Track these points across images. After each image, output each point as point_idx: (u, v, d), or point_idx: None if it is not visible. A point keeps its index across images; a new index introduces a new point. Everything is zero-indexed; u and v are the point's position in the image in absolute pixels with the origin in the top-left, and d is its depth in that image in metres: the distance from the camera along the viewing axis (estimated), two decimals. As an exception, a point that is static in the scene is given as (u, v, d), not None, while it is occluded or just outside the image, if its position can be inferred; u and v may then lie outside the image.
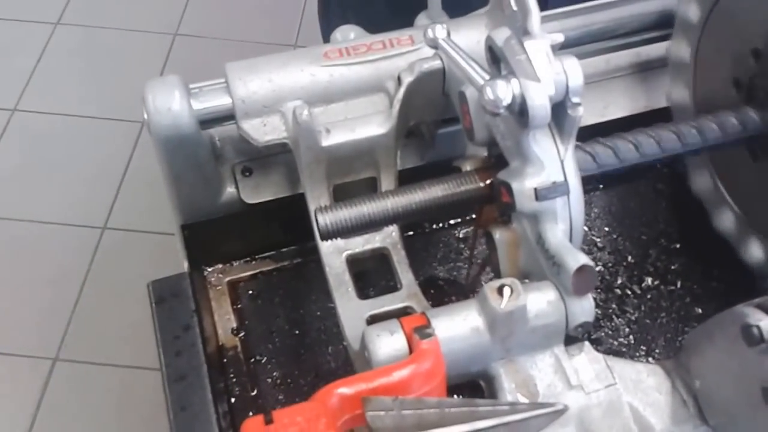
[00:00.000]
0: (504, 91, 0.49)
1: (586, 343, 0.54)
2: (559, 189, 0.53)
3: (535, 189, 0.53)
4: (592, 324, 0.54)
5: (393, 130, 0.69)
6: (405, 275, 0.68)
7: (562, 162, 0.53)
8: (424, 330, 0.49)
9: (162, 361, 0.68)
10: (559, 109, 0.52)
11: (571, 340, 0.55)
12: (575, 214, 0.55)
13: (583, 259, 0.51)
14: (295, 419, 0.40)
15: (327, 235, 0.57)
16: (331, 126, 0.68)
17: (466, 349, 0.51)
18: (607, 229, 0.86)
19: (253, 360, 0.77)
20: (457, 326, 0.51)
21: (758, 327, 0.41)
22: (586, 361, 0.53)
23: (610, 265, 0.83)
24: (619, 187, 0.87)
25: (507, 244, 0.60)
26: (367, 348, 0.50)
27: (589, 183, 0.87)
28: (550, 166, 0.54)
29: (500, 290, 0.51)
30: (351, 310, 0.65)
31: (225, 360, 0.76)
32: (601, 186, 0.88)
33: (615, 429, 0.50)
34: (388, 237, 0.70)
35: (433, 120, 0.76)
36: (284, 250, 0.84)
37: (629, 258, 0.83)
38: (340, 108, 0.71)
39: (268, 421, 0.40)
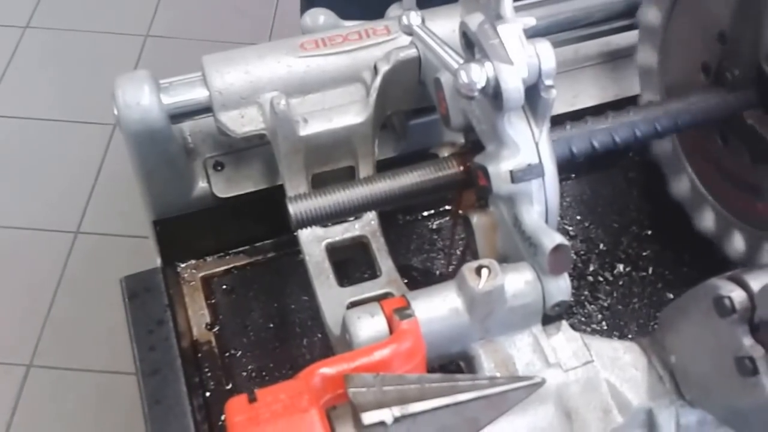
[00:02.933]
0: (478, 75, 0.50)
1: (564, 322, 0.55)
2: (534, 171, 0.54)
3: (511, 171, 0.54)
4: (568, 303, 0.54)
5: (370, 119, 0.69)
6: (384, 262, 0.68)
7: (536, 144, 0.54)
8: (403, 311, 0.50)
9: (136, 356, 0.67)
10: (533, 92, 0.53)
11: (548, 319, 0.55)
12: (550, 196, 0.55)
13: (559, 239, 0.52)
14: (279, 396, 0.39)
15: (298, 224, 0.57)
16: (309, 116, 0.68)
17: (446, 330, 0.52)
18: (579, 217, 0.87)
19: (228, 354, 0.76)
20: (437, 307, 0.52)
21: (730, 298, 0.42)
22: (564, 339, 0.54)
23: (582, 253, 0.84)
24: (591, 176, 0.88)
25: (484, 228, 0.60)
26: (348, 330, 0.50)
27: (561, 173, 0.90)
28: (525, 149, 0.54)
29: (478, 271, 0.51)
30: (331, 298, 0.65)
31: (200, 355, 0.75)
32: (573, 175, 0.89)
33: (593, 405, 0.51)
34: (367, 225, 0.70)
35: (405, 111, 0.77)
36: (258, 244, 0.83)
37: (601, 245, 0.84)
38: (317, 98, 0.71)
39: (252, 400, 0.40)
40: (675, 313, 0.50)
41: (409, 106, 0.75)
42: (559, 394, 0.51)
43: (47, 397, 1.55)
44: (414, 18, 0.58)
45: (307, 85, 0.71)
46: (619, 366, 0.53)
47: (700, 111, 0.64)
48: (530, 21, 0.52)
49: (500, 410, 0.41)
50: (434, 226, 0.86)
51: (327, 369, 0.43)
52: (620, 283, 0.81)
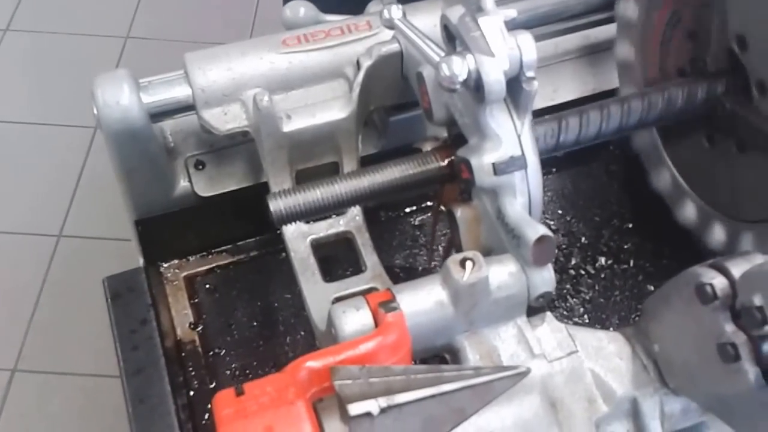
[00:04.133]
0: (459, 67, 0.50)
1: (548, 313, 0.55)
2: (516, 163, 0.54)
3: (494, 164, 0.54)
4: (553, 294, 0.55)
5: (353, 114, 0.69)
6: (369, 257, 0.68)
7: (519, 136, 0.54)
8: (389, 304, 0.50)
9: (119, 356, 0.67)
10: (514, 84, 0.53)
11: (533, 311, 0.55)
12: (533, 187, 0.56)
13: (542, 230, 0.52)
14: (266, 389, 0.39)
15: (279, 221, 0.57)
16: (292, 112, 0.68)
17: (431, 323, 0.52)
18: (560, 211, 0.88)
19: (211, 353, 0.75)
20: (422, 300, 0.52)
21: (711, 285, 0.43)
22: (549, 330, 0.54)
23: (564, 247, 0.84)
24: (572, 170, 0.89)
25: (468, 222, 0.60)
26: (334, 324, 0.50)
27: (542, 167, 0.91)
28: (507, 141, 0.54)
29: (462, 263, 0.51)
30: (317, 293, 0.65)
31: (183, 354, 0.74)
32: (554, 170, 0.90)
33: (577, 395, 0.51)
34: (352, 221, 0.70)
35: (386, 107, 0.77)
36: (241, 243, 0.83)
37: (583, 239, 0.85)
38: (300, 95, 0.71)
39: (239, 393, 0.39)
40: (658, 301, 0.51)
41: (393, 101, 0.75)
42: (544, 385, 0.52)
43: (32, 401, 1.54)
44: (395, 12, 0.58)
45: (290, 81, 0.71)
46: (603, 356, 0.53)
47: (679, 101, 0.65)
48: (511, 13, 0.52)
49: (486, 400, 0.41)
50: (417, 223, 0.86)
51: (313, 362, 0.43)
52: (602, 276, 0.82)
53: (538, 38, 0.84)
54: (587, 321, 0.78)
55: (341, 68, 0.71)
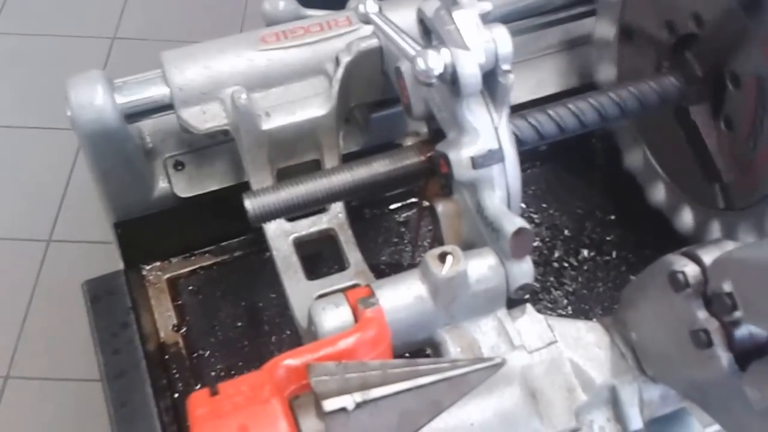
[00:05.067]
0: (435, 61, 0.50)
1: (528, 305, 0.56)
2: (494, 156, 0.54)
3: (472, 157, 0.54)
4: (532, 285, 0.55)
5: (333, 111, 0.69)
6: (352, 254, 0.68)
7: (496, 129, 0.55)
8: (368, 300, 0.50)
9: (100, 360, 0.66)
10: (491, 77, 0.53)
11: (513, 303, 0.56)
12: (512, 180, 0.56)
13: (520, 223, 0.52)
14: (241, 389, 0.39)
15: (256, 220, 0.57)
16: (271, 110, 0.68)
17: (412, 317, 0.52)
18: (544, 205, 0.88)
19: (195, 355, 0.75)
20: (401, 295, 0.52)
21: (683, 272, 0.43)
22: (528, 322, 0.54)
23: (547, 240, 0.85)
24: (555, 163, 0.89)
25: (449, 216, 0.60)
26: (313, 322, 0.50)
27: (525, 161, 0.91)
28: (485, 135, 0.54)
29: (441, 257, 0.51)
30: (300, 291, 0.65)
31: (167, 356, 0.74)
32: (538, 163, 0.90)
33: (557, 384, 0.52)
34: (335, 218, 0.70)
35: (367, 104, 0.76)
36: (224, 243, 0.83)
37: (566, 231, 0.85)
38: (280, 92, 0.71)
39: (214, 393, 0.39)
40: (634, 290, 0.51)
41: (374, 97, 0.74)
42: (525, 376, 0.52)
43: (26, 408, 1.53)
44: (371, 6, 0.58)
45: (270, 78, 0.70)
46: (582, 345, 0.54)
47: (653, 96, 0.65)
48: (486, 6, 0.52)
49: (462, 392, 0.41)
50: (402, 219, 0.86)
51: (291, 360, 0.43)
52: (585, 267, 0.82)
53: (520, 32, 0.86)
54: (571, 312, 0.79)
55: (321, 65, 0.71)
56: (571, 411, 0.51)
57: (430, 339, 0.54)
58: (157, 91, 0.69)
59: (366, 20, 0.57)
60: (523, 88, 0.86)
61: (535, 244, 0.85)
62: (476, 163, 0.54)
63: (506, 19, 0.82)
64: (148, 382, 0.64)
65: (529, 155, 0.92)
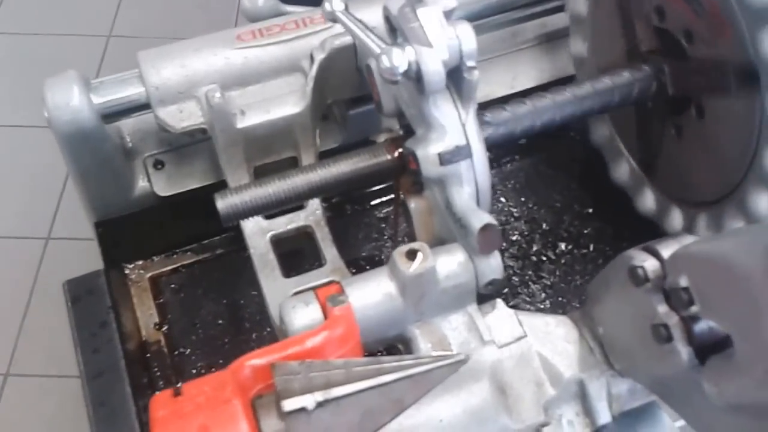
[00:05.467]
0: (399, 59, 0.50)
1: (499, 300, 0.56)
2: (461, 152, 0.54)
3: (439, 154, 0.54)
4: (501, 281, 0.55)
5: (308, 108, 0.69)
6: (329, 251, 0.69)
7: (463, 125, 0.55)
8: (336, 298, 0.50)
9: (79, 359, 0.67)
10: (456, 74, 0.53)
11: (483, 298, 0.56)
12: (480, 176, 0.56)
13: (487, 218, 0.52)
14: (203, 389, 0.40)
15: (228, 219, 0.57)
16: (246, 108, 0.68)
17: (381, 314, 0.52)
18: (522, 198, 0.88)
19: (177, 353, 0.76)
20: (371, 293, 0.52)
21: (642, 267, 0.43)
22: (499, 316, 0.55)
23: (526, 233, 0.85)
24: (534, 157, 0.90)
25: (421, 212, 0.61)
26: (283, 320, 0.51)
27: (505, 155, 0.92)
28: (452, 131, 0.55)
29: (409, 255, 0.52)
30: (276, 289, 0.65)
31: (148, 355, 0.75)
32: (517, 157, 0.91)
33: (526, 379, 0.52)
34: (312, 215, 0.71)
35: (345, 101, 0.77)
36: (206, 242, 0.83)
37: (544, 225, 0.86)
38: (257, 90, 0.71)
39: (177, 394, 0.40)
40: (599, 285, 0.51)
41: (350, 94, 0.75)
42: (494, 370, 0.52)
43: (26, 405, 1.53)
44: (336, 4, 0.58)
45: (246, 76, 0.71)
46: (551, 340, 0.54)
47: (623, 87, 0.65)
48: (451, 3, 0.52)
49: (425, 389, 0.42)
50: (382, 215, 0.87)
51: (257, 360, 0.44)
52: (563, 261, 0.83)
53: (497, 26, 0.86)
54: (548, 306, 0.79)
55: (297, 62, 0.71)
56: (540, 405, 0.52)
57: (401, 335, 0.54)
58: (133, 91, 0.70)
59: (333, 18, 0.58)
60: (500, 82, 0.87)
61: (514, 238, 0.85)
62: (443, 159, 0.54)
63: (481, 14, 0.82)
64: (127, 381, 0.65)
65: (508, 149, 0.92)
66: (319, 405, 0.38)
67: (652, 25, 0.64)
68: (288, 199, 0.57)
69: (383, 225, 0.86)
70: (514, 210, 0.88)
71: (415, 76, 0.51)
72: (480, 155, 0.56)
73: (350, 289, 0.52)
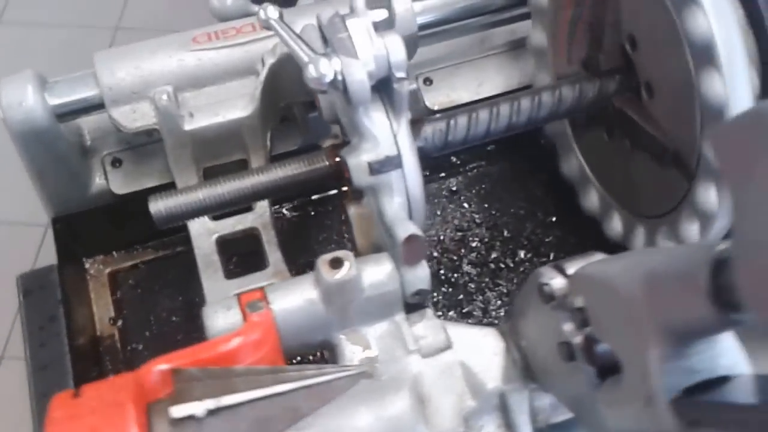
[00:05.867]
0: (326, 69, 0.51)
1: (428, 309, 0.56)
2: (392, 162, 0.55)
3: (369, 163, 0.55)
4: (429, 291, 0.55)
5: (257, 112, 0.69)
6: (273, 254, 0.69)
7: (395, 136, 0.55)
8: (256, 303, 0.50)
9: (27, 353, 0.68)
10: (388, 85, 0.53)
11: (413, 307, 0.56)
12: (412, 187, 0.56)
13: (412, 230, 0.53)
14: (101, 391, 0.40)
15: (161, 222, 0.58)
16: (195, 110, 0.69)
17: (304, 321, 0.52)
18: (486, 205, 0.88)
19: (130, 348, 0.77)
20: (294, 299, 0.52)
21: (549, 285, 0.43)
22: (426, 326, 0.55)
23: (486, 240, 0.85)
24: (501, 163, 0.89)
25: (359, 220, 0.61)
26: (204, 324, 0.51)
27: (472, 161, 0.91)
28: (384, 141, 0.55)
29: (334, 263, 0.52)
30: (217, 291, 0.66)
31: (101, 349, 0.76)
32: (484, 163, 0.91)
33: (447, 389, 0.52)
34: (260, 217, 0.71)
35: (304, 103, 0.77)
36: (166, 239, 0.84)
37: (505, 232, 0.85)
38: (212, 92, 0.72)
39: (77, 395, 0.40)
40: (523, 298, 0.51)
41: (304, 98, 0.75)
42: (416, 381, 0.52)
43: (21, 387, 1.56)
44: (271, 12, 0.58)
45: (200, 78, 0.71)
46: (476, 351, 0.54)
47: (570, 99, 0.65)
48: (381, 14, 0.52)
49: (324, 399, 0.42)
50: (344, 217, 0.87)
51: (164, 365, 0.44)
52: (521, 269, 0.82)
53: (463, 32, 0.86)
54: (502, 314, 0.79)
55: (253, 65, 0.72)
56: (460, 416, 0.52)
57: (327, 342, 0.55)
58: (88, 91, 0.70)
59: (267, 26, 0.58)
60: (465, 88, 0.86)
61: (474, 244, 0.85)
62: (373, 168, 0.54)
63: (448, 19, 0.82)
64: (71, 375, 0.66)
65: (475, 155, 0.92)
66: (211, 413, 0.39)
67: (622, 49, 0.63)
68: (222, 203, 0.58)
69: (344, 227, 0.86)
70: (477, 216, 0.87)
71: (343, 87, 0.52)
72: (411, 166, 0.56)
73: (273, 296, 0.52)
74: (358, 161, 0.55)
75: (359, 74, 0.50)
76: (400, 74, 0.52)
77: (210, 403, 0.39)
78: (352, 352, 0.53)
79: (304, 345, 0.54)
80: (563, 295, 0.43)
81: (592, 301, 0.39)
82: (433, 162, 0.92)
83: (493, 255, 0.84)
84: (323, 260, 0.52)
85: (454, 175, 0.91)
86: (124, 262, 0.83)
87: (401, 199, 0.56)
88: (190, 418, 0.38)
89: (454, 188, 0.90)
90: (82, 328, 0.74)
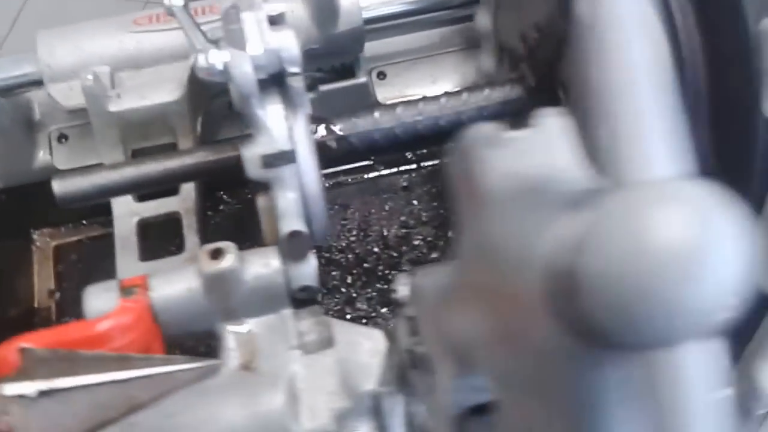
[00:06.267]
0: (216, 59, 0.51)
1: (317, 306, 0.56)
2: (285, 157, 0.54)
3: (262, 157, 0.55)
4: (317, 288, 0.55)
5: (185, 96, 0.70)
6: (191, 239, 0.70)
7: (290, 130, 0.55)
8: (131, 289, 0.51)
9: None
10: (282, 79, 0.53)
11: (303, 303, 0.56)
12: (308, 183, 0.56)
13: (295, 226, 0.53)
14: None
15: (64, 203, 0.59)
16: (123, 92, 0.70)
17: (186, 309, 0.53)
18: (435, 203, 0.87)
19: (64, 321, 0.79)
20: (174, 287, 0.53)
21: (396, 291, 0.43)
22: (312, 323, 0.55)
23: (429, 239, 0.84)
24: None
25: (266, 211, 0.61)
26: (83, 304, 0.52)
27: (427, 158, 0.90)
28: (279, 135, 0.55)
29: (214, 253, 0.52)
30: (129, 272, 0.67)
31: (35, 320, 0.78)
32: (438, 161, 0.89)
33: (322, 388, 0.52)
34: (183, 201, 0.72)
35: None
36: (112, 216, 0.85)
37: (450, 233, 0.84)
38: (149, 74, 0.72)
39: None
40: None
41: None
42: (293, 378, 0.53)
43: None
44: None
45: (138, 60, 0.72)
46: (357, 351, 0.54)
47: (497, 105, 0.64)
48: (278, 7, 0.52)
49: (166, 390, 0.43)
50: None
51: (28, 343, 0.45)
52: (458, 270, 0.81)
53: (419, 27, 0.85)
54: (431, 314, 0.78)
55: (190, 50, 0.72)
56: (331, 415, 0.52)
57: (211, 331, 0.55)
58: (28, 69, 0.72)
59: (171, 13, 0.58)
60: (419, 84, 0.86)
61: (416, 242, 0.85)
62: (265, 162, 0.54)
63: (399, 15, 0.81)
64: None
65: (432, 152, 0.91)
66: (44, 393, 0.40)
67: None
68: (126, 187, 0.59)
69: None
70: (424, 214, 0.87)
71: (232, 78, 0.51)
72: (307, 162, 0.56)
73: (155, 282, 0.53)
74: (252, 153, 0.55)
75: (245, 66, 0.50)
76: (293, 69, 0.52)
77: (42, 384, 0.40)
78: (233, 344, 0.54)
79: (186, 333, 0.55)
80: (406, 303, 0.43)
81: (417, 310, 0.38)
82: (387, 157, 0.91)
83: (434, 254, 0.83)
84: (204, 250, 0.53)
85: (408, 172, 0.90)
86: (70, 236, 0.85)
87: (294, 195, 0.56)
88: (22, 397, 0.39)
89: (406, 184, 0.89)
90: (21, 300, 0.76)
